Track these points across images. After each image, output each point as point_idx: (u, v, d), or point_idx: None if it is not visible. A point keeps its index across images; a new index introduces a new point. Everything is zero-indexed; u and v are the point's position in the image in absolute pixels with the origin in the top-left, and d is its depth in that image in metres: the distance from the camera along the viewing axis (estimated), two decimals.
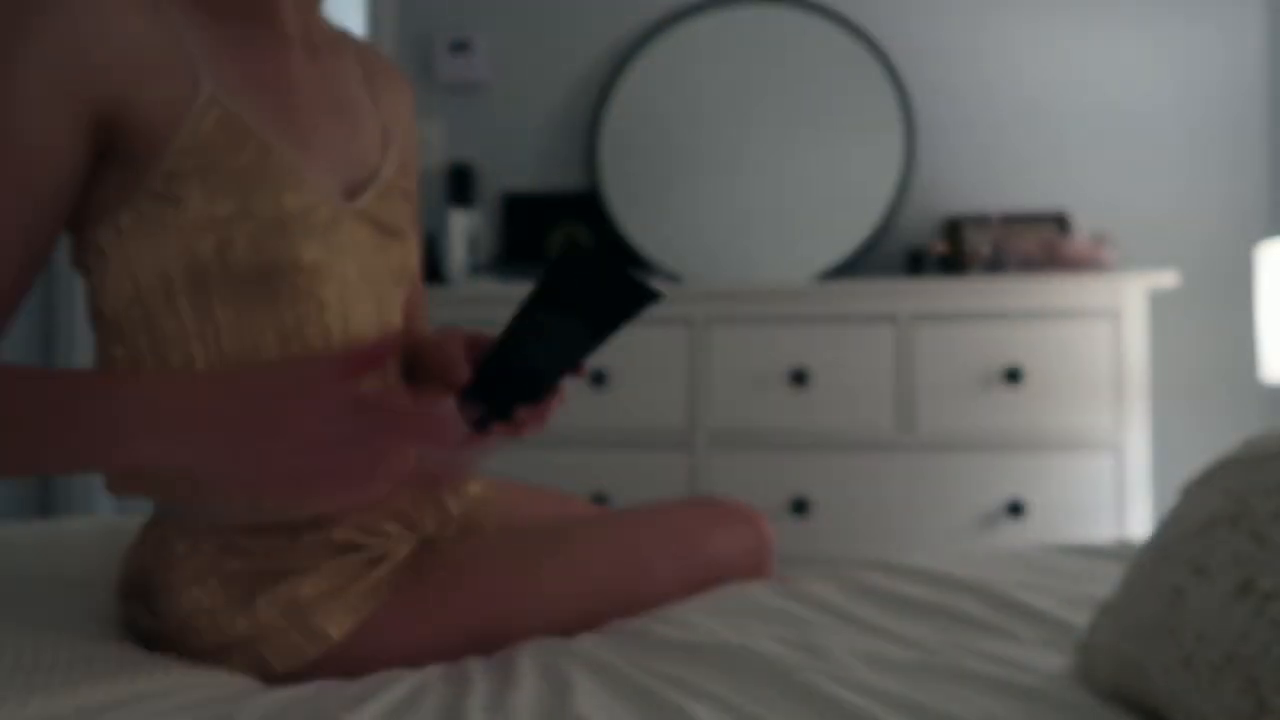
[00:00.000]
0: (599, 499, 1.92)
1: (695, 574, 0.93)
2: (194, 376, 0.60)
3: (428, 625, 0.78)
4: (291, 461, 0.56)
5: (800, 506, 1.87)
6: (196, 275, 0.69)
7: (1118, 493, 1.80)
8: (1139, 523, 1.79)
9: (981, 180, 2.31)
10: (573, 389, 1.96)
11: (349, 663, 0.74)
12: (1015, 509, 1.80)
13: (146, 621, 0.76)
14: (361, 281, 0.78)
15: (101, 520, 1.14)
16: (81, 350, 2.55)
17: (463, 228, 2.24)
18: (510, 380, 0.62)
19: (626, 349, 1.95)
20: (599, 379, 1.93)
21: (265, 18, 0.76)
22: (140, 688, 0.66)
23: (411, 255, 0.85)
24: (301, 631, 0.73)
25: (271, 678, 0.74)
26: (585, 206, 2.35)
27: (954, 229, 2.25)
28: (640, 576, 0.89)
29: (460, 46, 2.50)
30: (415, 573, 0.79)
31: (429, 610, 0.78)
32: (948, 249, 2.09)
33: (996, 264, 1.97)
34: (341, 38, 0.87)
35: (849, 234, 2.25)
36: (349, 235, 0.76)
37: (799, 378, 1.87)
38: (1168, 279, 1.79)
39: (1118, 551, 1.09)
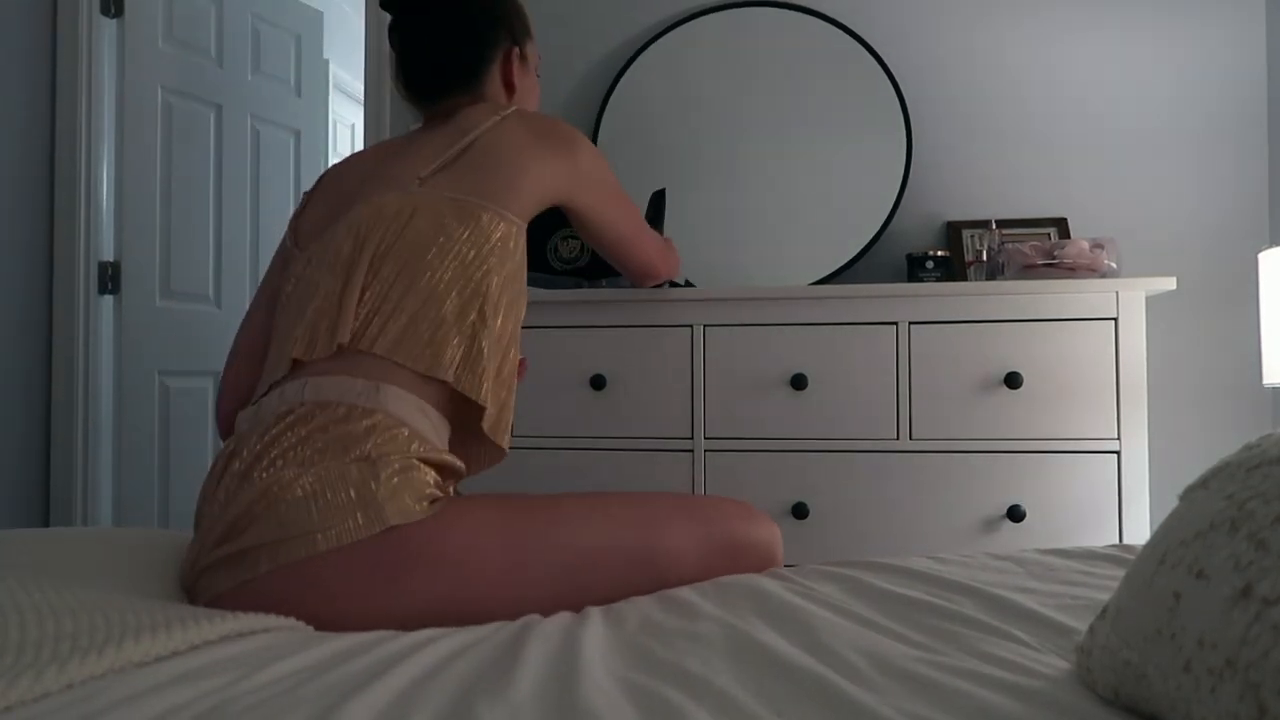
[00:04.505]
0: None
1: (711, 544, 1.04)
2: None
3: (471, 524, 0.95)
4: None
5: (799, 510, 1.87)
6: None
7: (1117, 497, 1.80)
8: (1138, 527, 1.79)
9: (980, 185, 2.31)
10: (573, 393, 1.96)
11: (418, 539, 0.91)
12: (1015, 513, 1.80)
13: (287, 477, 0.91)
14: None
15: (101, 528, 1.14)
16: (93, 367, 2.55)
17: None
18: None
19: (627, 352, 1.95)
20: (599, 383, 1.93)
21: None
22: (133, 658, 0.65)
23: None
24: (405, 501, 0.92)
25: (376, 549, 0.90)
26: None
27: (953, 234, 2.26)
28: (660, 528, 1.02)
29: None
30: (464, 496, 1.02)
31: (473, 513, 0.96)
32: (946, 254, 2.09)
33: (995, 269, 1.97)
34: None
35: (849, 239, 2.25)
36: None
37: (798, 382, 1.87)
38: (1166, 284, 1.80)
39: (1117, 555, 1.09)
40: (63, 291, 2.55)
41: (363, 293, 1.04)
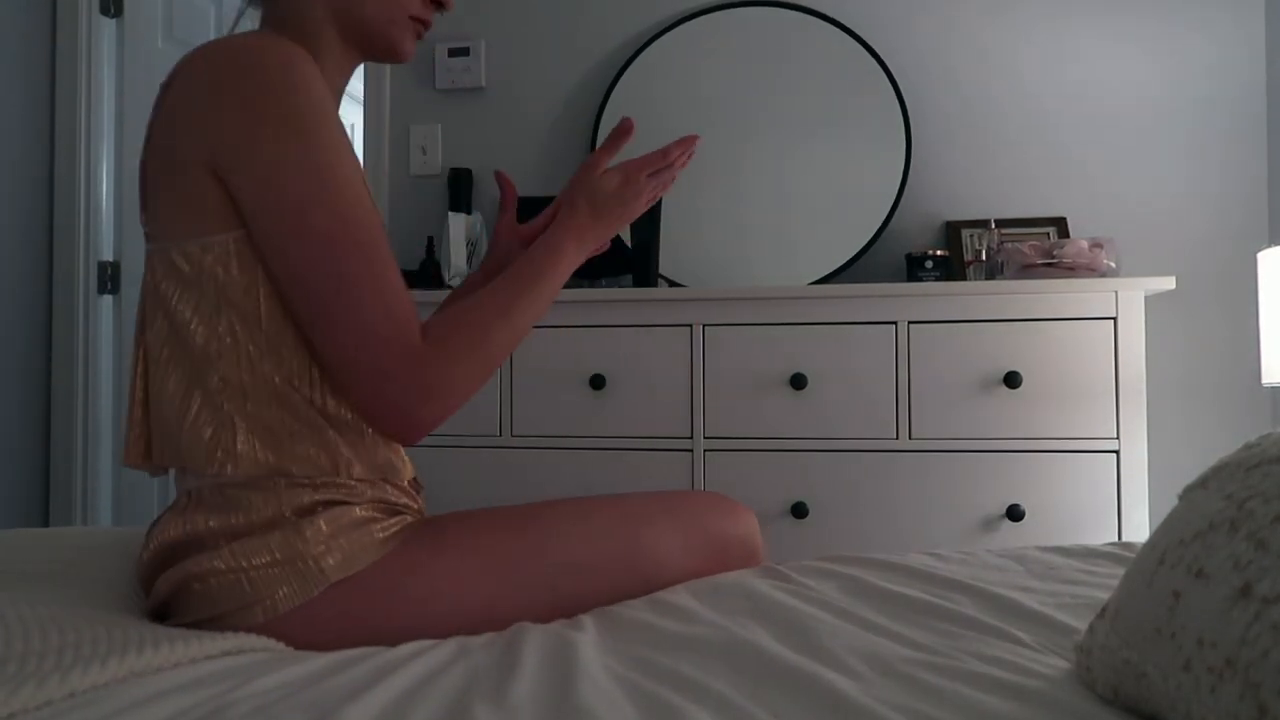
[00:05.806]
0: None
1: (694, 542, 1.02)
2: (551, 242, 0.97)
3: (447, 557, 0.88)
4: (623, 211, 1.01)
5: (799, 510, 1.87)
6: None
7: (1116, 497, 1.80)
8: (1137, 526, 1.79)
9: (979, 185, 2.31)
10: (573, 392, 1.96)
11: (385, 583, 0.85)
12: (1014, 513, 1.80)
13: (202, 563, 0.81)
14: None
15: (100, 529, 1.14)
16: (93, 367, 2.55)
17: (461, 232, 2.24)
18: None
19: (627, 352, 1.95)
20: (599, 383, 1.93)
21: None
22: (134, 668, 0.65)
23: None
24: (348, 549, 0.84)
25: (315, 611, 0.81)
26: None
27: (952, 234, 2.26)
28: (642, 530, 0.99)
29: (459, 52, 2.50)
30: (433, 520, 0.93)
31: (447, 543, 0.89)
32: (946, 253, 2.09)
33: (994, 269, 1.97)
34: None
35: (848, 239, 2.25)
36: None
37: (798, 382, 1.87)
38: (1165, 284, 1.80)
39: (1117, 554, 1.09)
40: (63, 291, 2.55)
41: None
